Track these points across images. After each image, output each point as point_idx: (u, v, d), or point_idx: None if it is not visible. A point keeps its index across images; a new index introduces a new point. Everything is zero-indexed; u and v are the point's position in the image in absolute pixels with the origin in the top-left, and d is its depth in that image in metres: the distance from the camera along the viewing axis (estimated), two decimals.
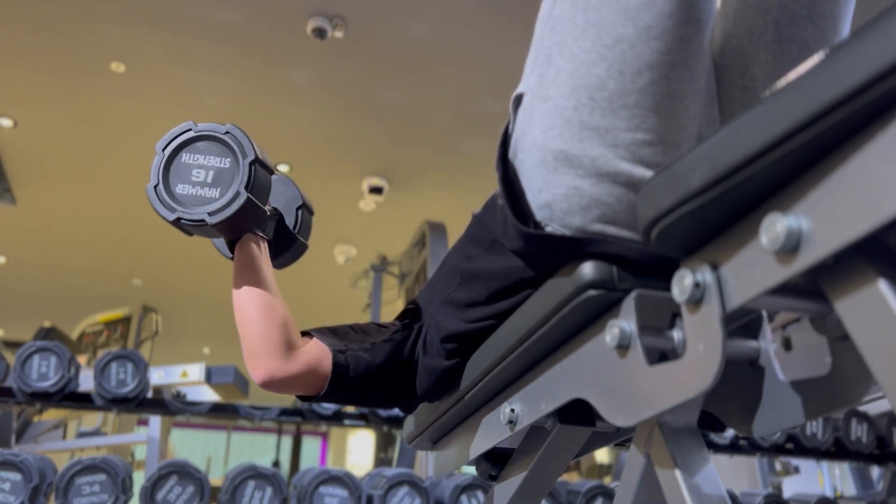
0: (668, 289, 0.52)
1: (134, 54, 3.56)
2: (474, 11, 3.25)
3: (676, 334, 0.54)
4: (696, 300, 0.49)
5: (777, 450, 2.55)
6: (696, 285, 0.49)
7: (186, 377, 3.37)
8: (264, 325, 0.83)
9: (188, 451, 7.71)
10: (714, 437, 2.42)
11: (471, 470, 1.04)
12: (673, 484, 0.55)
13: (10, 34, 3.40)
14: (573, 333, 0.65)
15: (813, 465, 3.63)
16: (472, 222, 0.82)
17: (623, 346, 0.56)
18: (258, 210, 0.88)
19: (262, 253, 0.90)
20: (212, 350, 8.51)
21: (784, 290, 0.48)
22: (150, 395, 2.40)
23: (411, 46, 3.50)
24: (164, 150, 0.87)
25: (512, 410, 0.75)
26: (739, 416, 0.62)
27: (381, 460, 4.45)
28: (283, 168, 4.42)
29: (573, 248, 0.63)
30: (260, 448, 9.69)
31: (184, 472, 1.94)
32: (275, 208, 0.99)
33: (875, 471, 3.20)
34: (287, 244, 1.00)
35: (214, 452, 8.55)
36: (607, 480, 4.67)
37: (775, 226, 0.42)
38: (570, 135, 0.62)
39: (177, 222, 0.85)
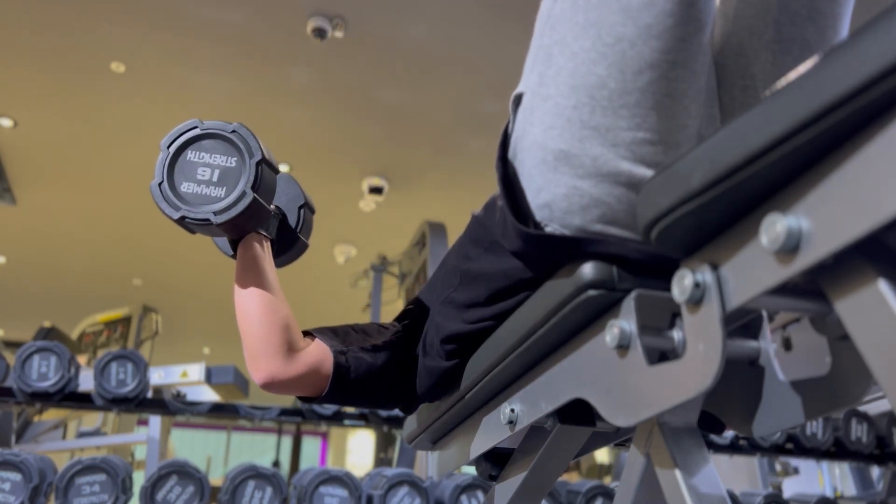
0: (668, 289, 0.52)
1: (134, 54, 3.56)
2: (474, 11, 3.25)
3: (676, 334, 0.54)
4: (696, 300, 0.49)
5: (777, 450, 2.55)
6: (696, 285, 0.49)
7: (186, 377, 3.37)
8: (266, 325, 0.82)
9: (188, 451, 7.71)
10: (714, 437, 2.42)
11: (471, 470, 1.04)
12: (673, 484, 0.55)
13: (10, 34, 3.40)
14: (573, 333, 0.65)
15: (813, 465, 3.63)
16: (472, 223, 0.82)
17: (623, 346, 0.56)
18: (263, 210, 0.87)
19: (265, 252, 0.89)
20: (212, 350, 8.50)
21: (784, 290, 0.48)
22: (150, 395, 2.41)
23: (411, 46, 3.50)
24: (168, 147, 0.86)
25: (512, 410, 0.75)
26: (739, 416, 0.62)
27: (381, 460, 4.45)
28: (283, 168, 4.42)
29: (573, 248, 0.63)
30: (260, 448, 9.69)
31: (184, 472, 1.94)
32: (277, 207, 0.98)
33: (875, 471, 3.20)
34: (289, 243, 1.00)
35: (214, 452, 8.55)
36: (607, 480, 4.68)
37: (775, 226, 0.42)
38: (570, 134, 0.62)
39: (181, 221, 0.84)
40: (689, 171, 0.48)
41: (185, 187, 0.85)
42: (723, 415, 0.65)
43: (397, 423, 2.49)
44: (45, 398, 2.21)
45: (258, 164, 0.85)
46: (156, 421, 2.97)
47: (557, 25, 0.64)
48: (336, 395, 0.85)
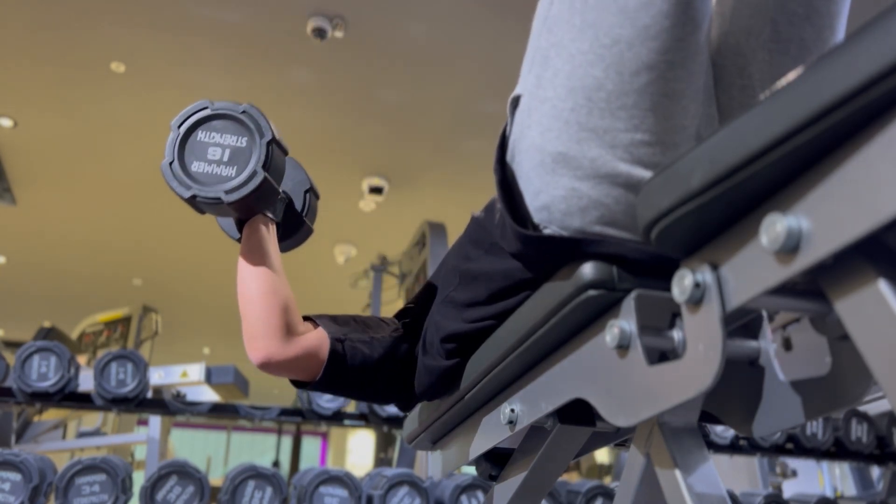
0: (668, 289, 0.52)
1: (134, 54, 3.56)
2: (474, 11, 3.25)
3: (676, 334, 0.54)
4: (696, 300, 0.49)
5: (777, 450, 2.55)
6: (696, 285, 0.49)
7: (186, 377, 3.37)
8: (266, 306, 0.83)
9: (188, 451, 7.71)
10: (714, 437, 2.42)
11: (471, 470, 1.04)
12: (673, 484, 0.55)
13: (10, 34, 3.40)
14: (573, 333, 0.65)
15: (813, 465, 3.63)
16: (472, 224, 0.82)
17: (623, 346, 0.56)
18: (273, 191, 0.88)
19: (270, 234, 0.90)
20: (212, 350, 8.50)
21: (784, 290, 0.48)
22: (149, 395, 2.41)
23: (411, 46, 3.50)
24: (179, 126, 0.87)
25: (512, 410, 0.75)
26: (739, 416, 0.62)
27: (381, 460, 4.45)
28: None
29: (572, 249, 0.63)
30: (260, 448, 9.70)
31: (184, 472, 1.94)
32: (284, 191, 0.99)
33: (875, 471, 3.20)
34: (294, 228, 1.01)
35: (214, 452, 8.55)
36: (607, 480, 4.68)
37: (775, 226, 0.42)
38: (568, 136, 0.62)
39: (192, 199, 0.84)
40: (688, 171, 0.48)
41: (196, 167, 0.85)
42: (723, 415, 0.65)
43: (397, 423, 2.49)
44: (45, 398, 2.21)
45: (269, 143, 0.85)
46: (156, 421, 2.98)
47: (554, 27, 0.64)
48: (329, 381, 0.85)
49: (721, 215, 0.48)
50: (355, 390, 0.88)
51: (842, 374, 0.54)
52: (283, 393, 9.06)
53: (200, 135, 0.86)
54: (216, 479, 2.64)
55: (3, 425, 2.85)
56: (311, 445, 10.26)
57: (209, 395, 3.62)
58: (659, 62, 0.59)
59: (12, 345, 5.47)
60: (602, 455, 5.55)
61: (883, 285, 0.39)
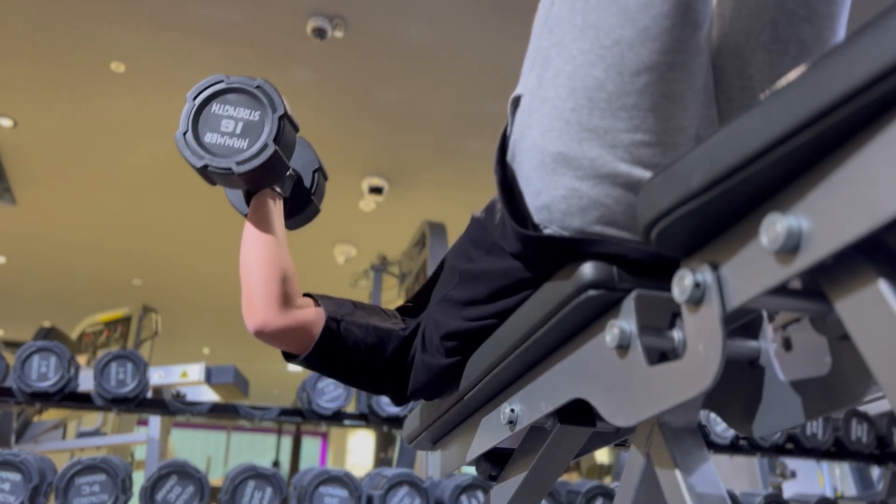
0: (668, 289, 0.52)
1: (134, 54, 3.56)
2: (474, 11, 3.25)
3: (676, 334, 0.54)
4: (697, 300, 0.49)
5: (777, 450, 2.55)
6: (697, 285, 0.49)
7: (186, 377, 3.37)
8: (265, 275, 0.85)
9: (188, 451, 7.71)
10: (714, 437, 2.42)
11: (471, 470, 1.04)
12: (673, 484, 0.55)
13: (10, 34, 3.40)
14: (573, 333, 0.65)
15: (813, 465, 3.63)
16: (472, 224, 0.82)
17: (623, 346, 0.56)
18: (282, 165, 0.91)
19: (276, 208, 0.93)
20: (212, 350, 8.51)
21: (784, 290, 0.48)
22: (149, 395, 2.41)
23: (411, 46, 3.50)
24: (194, 99, 0.89)
25: (512, 410, 0.75)
26: (739, 416, 0.62)
27: (381, 460, 4.44)
28: None
29: (572, 249, 0.63)
30: (260, 448, 9.70)
31: (184, 472, 1.94)
32: (293, 169, 1.01)
33: (875, 471, 3.20)
34: (302, 205, 1.03)
35: (214, 452, 8.55)
36: (607, 481, 4.68)
37: (775, 226, 0.42)
38: (568, 136, 0.62)
39: (203, 169, 0.87)
40: (689, 171, 0.48)
41: (210, 138, 0.88)
42: (723, 415, 0.65)
43: (397, 423, 2.49)
44: (45, 398, 2.21)
45: (280, 118, 0.88)
46: (155, 421, 2.98)
47: (555, 28, 0.64)
48: (318, 358, 0.86)
49: (721, 215, 0.48)
50: (343, 372, 0.89)
51: (842, 374, 0.54)
52: (283, 393, 9.06)
53: (215, 107, 0.89)
54: (216, 479, 2.64)
55: (3, 425, 2.85)
56: (311, 445, 10.27)
57: (209, 395, 3.62)
58: (659, 63, 0.59)
59: (12, 345, 5.47)
60: (602, 455, 5.55)
61: (883, 285, 0.39)
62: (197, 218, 5.25)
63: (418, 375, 0.87)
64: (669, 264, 0.54)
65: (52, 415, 3.42)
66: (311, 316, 0.85)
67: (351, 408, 2.56)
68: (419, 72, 3.69)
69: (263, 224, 0.90)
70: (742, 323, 0.62)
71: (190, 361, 3.54)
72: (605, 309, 0.61)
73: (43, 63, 3.62)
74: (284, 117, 0.88)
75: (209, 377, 3.44)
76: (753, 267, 0.45)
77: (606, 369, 0.59)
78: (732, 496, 2.13)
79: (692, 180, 0.47)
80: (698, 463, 0.56)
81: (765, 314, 0.61)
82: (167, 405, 2.44)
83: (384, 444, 4.53)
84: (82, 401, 2.30)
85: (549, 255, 0.65)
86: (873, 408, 2.61)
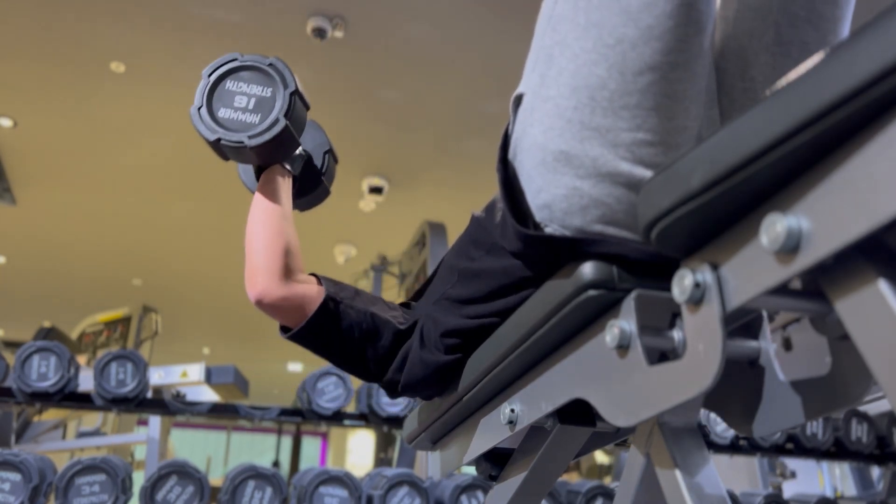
0: (668, 289, 0.52)
1: (134, 54, 3.56)
2: (474, 11, 3.25)
3: (676, 334, 0.54)
4: (697, 300, 0.49)
5: (777, 450, 2.55)
6: (697, 285, 0.49)
7: (186, 377, 3.37)
8: (269, 246, 0.87)
9: (188, 451, 7.71)
10: (714, 437, 2.42)
11: (471, 470, 1.04)
12: (673, 484, 0.55)
13: (10, 34, 3.40)
14: (573, 333, 0.65)
15: (813, 465, 3.63)
16: (472, 224, 0.82)
17: (623, 347, 0.56)
18: (293, 140, 0.93)
19: (285, 184, 0.95)
20: (212, 350, 8.51)
21: (784, 290, 0.48)
22: (149, 395, 2.41)
23: (411, 46, 3.50)
24: (209, 75, 0.93)
25: (512, 410, 0.75)
26: (739, 416, 0.62)
27: (381, 460, 4.44)
28: None
29: (573, 248, 0.63)
30: (260, 448, 9.70)
31: (184, 472, 1.94)
32: (304, 149, 1.04)
33: (875, 471, 3.20)
34: (312, 185, 1.06)
35: (214, 452, 8.55)
36: (607, 481, 4.68)
37: (775, 226, 0.42)
38: (570, 135, 0.62)
39: (216, 143, 0.90)
40: (689, 171, 0.48)
41: (223, 113, 0.91)
42: (723, 415, 0.65)
43: (397, 423, 2.49)
44: (45, 398, 2.21)
45: (292, 94, 0.92)
46: (155, 421, 2.98)
47: (558, 26, 0.64)
48: (311, 334, 0.86)
49: (721, 215, 0.48)
50: (334, 353, 0.89)
51: (842, 374, 0.54)
52: (283, 393, 9.06)
53: (229, 84, 0.93)
54: (216, 479, 2.64)
55: (3, 425, 2.85)
56: (311, 445, 10.27)
57: (209, 395, 3.62)
58: (662, 63, 0.59)
59: (12, 345, 5.47)
60: (602, 455, 5.55)
61: (883, 285, 0.39)
62: (197, 218, 5.25)
63: (414, 370, 0.87)
64: (669, 264, 0.54)
65: (52, 415, 3.42)
66: (311, 292, 0.87)
67: (351, 408, 2.56)
68: (419, 72, 3.69)
69: (271, 198, 0.93)
70: (742, 323, 0.62)
71: (190, 361, 3.54)
72: (606, 309, 0.61)
73: (43, 63, 3.62)
74: (295, 94, 0.92)
75: (209, 377, 3.44)
76: (753, 267, 0.45)
77: (606, 369, 0.59)
78: (732, 496, 2.13)
79: (692, 180, 0.47)
80: (698, 463, 0.56)
81: (765, 314, 0.61)
82: (167, 405, 2.44)
83: (384, 444, 4.52)
84: (82, 401, 2.29)
85: (550, 254, 0.65)
86: (873, 408, 2.61)
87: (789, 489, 3.33)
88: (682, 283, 0.50)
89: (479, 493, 2.05)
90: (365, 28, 3.36)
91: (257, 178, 0.97)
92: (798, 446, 2.55)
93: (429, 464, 2.84)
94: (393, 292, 4.91)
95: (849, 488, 3.62)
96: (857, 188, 0.38)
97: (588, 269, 0.60)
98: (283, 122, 0.90)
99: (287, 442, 7.99)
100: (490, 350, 0.76)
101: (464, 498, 2.04)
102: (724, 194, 0.46)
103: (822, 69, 0.39)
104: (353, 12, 3.25)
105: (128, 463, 2.01)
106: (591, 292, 0.59)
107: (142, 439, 3.15)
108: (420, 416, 1.01)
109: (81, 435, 3.82)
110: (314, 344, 0.89)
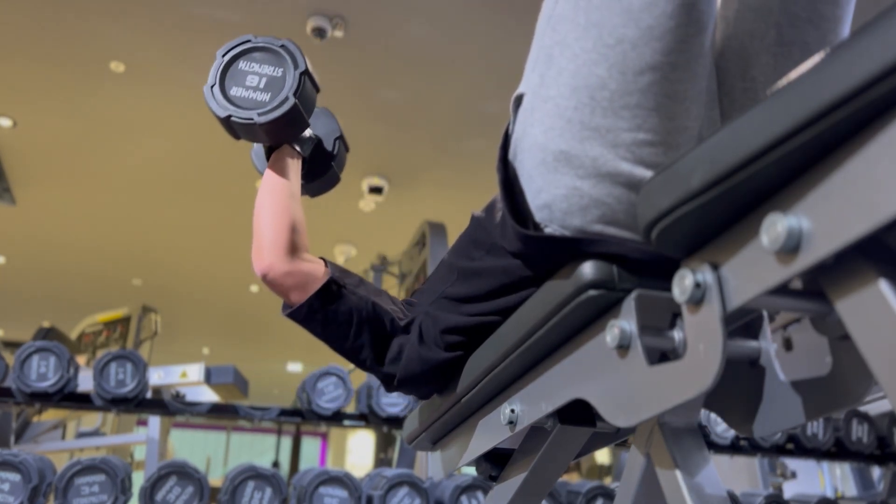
0: (668, 289, 0.52)
1: (134, 54, 3.56)
2: (475, 11, 3.25)
3: (677, 334, 0.54)
4: (697, 300, 0.49)
5: (778, 450, 2.55)
6: (697, 285, 0.49)
7: (186, 377, 3.37)
8: (276, 222, 0.89)
9: (188, 451, 7.71)
10: (714, 437, 2.42)
11: (471, 470, 1.04)
12: (673, 484, 0.55)
13: (9, 34, 3.40)
14: (573, 333, 0.65)
15: (813, 465, 3.63)
16: (472, 224, 0.82)
17: (623, 347, 0.56)
18: (302, 119, 0.96)
19: (294, 165, 0.98)
20: (211, 350, 8.50)
21: (784, 290, 0.48)
22: (149, 395, 2.40)
23: (412, 46, 3.50)
24: (223, 56, 0.96)
25: (512, 411, 0.75)
26: (740, 416, 0.62)
27: (381, 461, 4.44)
28: None
29: (573, 248, 0.63)
30: (259, 448, 9.70)
31: (183, 472, 1.94)
32: (314, 134, 1.07)
33: (876, 471, 3.20)
34: (322, 170, 1.09)
35: (214, 453, 8.55)
36: (607, 481, 4.68)
37: (776, 226, 0.42)
38: (570, 135, 0.62)
39: (227, 120, 0.92)
40: (689, 171, 0.48)
41: (235, 91, 0.94)
42: (723, 415, 0.65)
43: (397, 423, 2.49)
44: (45, 398, 2.21)
45: (301, 74, 0.94)
46: (155, 421, 2.97)
47: (559, 26, 0.64)
48: (309, 312, 0.87)
49: (721, 215, 0.48)
50: (331, 336, 0.89)
51: (842, 375, 0.53)
52: (282, 393, 9.06)
53: (242, 64, 0.96)
54: (216, 479, 2.64)
55: (2, 425, 2.85)
56: (310, 446, 10.27)
57: (209, 396, 3.62)
58: (662, 63, 0.59)
59: (12, 345, 5.47)
60: (602, 455, 5.55)
61: (883, 285, 0.39)
62: (197, 218, 5.25)
63: (412, 366, 0.86)
64: (670, 264, 0.54)
65: (51, 415, 3.42)
66: (316, 273, 0.88)
67: (351, 408, 2.56)
68: (419, 72, 3.69)
69: (279, 176, 0.95)
70: (742, 323, 0.61)
71: (189, 361, 3.54)
72: (606, 309, 0.61)
73: (43, 63, 3.62)
74: (305, 74, 0.95)
75: (209, 377, 3.44)
76: (754, 267, 0.45)
77: (607, 369, 0.59)
78: (733, 496, 2.13)
79: (692, 180, 0.47)
80: (698, 463, 0.56)
81: (765, 314, 0.61)
82: (167, 405, 2.43)
83: (384, 444, 4.52)
84: (82, 401, 2.29)
85: (550, 254, 0.65)
86: (874, 408, 2.61)
87: (790, 489, 3.33)
88: (683, 283, 0.50)
89: (479, 494, 2.05)
90: (365, 28, 3.36)
91: (268, 157, 0.99)
92: (798, 446, 2.55)
93: (429, 464, 2.84)
94: (393, 292, 4.89)
95: (849, 489, 3.62)
96: (858, 188, 0.38)
97: (588, 269, 0.60)
98: (292, 101, 0.92)
99: (287, 442, 7.99)
100: (490, 350, 0.76)
101: (464, 498, 2.03)
102: (725, 194, 0.46)
103: (822, 69, 0.39)
104: (353, 12, 3.25)
105: (127, 463, 2.01)
106: (592, 292, 0.59)
107: (141, 439, 3.15)
108: (420, 416, 1.01)
109: (81, 435, 3.81)
110: (312, 324, 0.89)
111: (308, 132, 1.03)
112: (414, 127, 4.20)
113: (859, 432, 2.57)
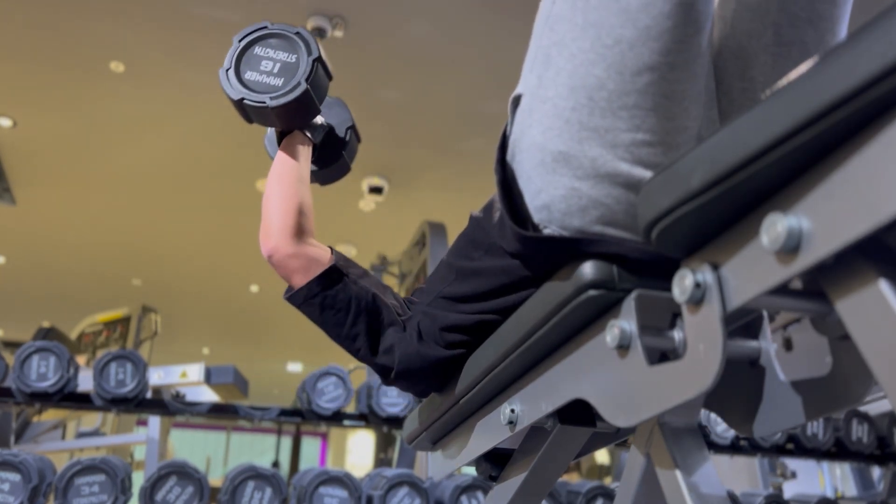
0: (668, 289, 0.52)
1: (134, 54, 3.55)
2: (474, 11, 3.25)
3: (677, 334, 0.54)
4: (697, 300, 0.49)
5: (778, 450, 2.55)
6: (697, 285, 0.49)
7: (186, 377, 3.37)
8: (283, 205, 0.91)
9: (188, 451, 7.70)
10: (714, 437, 2.42)
11: (471, 470, 1.04)
12: (673, 484, 0.55)
13: (9, 34, 3.40)
14: (573, 333, 0.65)
15: (813, 465, 3.63)
16: (471, 224, 0.82)
17: (623, 347, 0.56)
18: (313, 105, 0.98)
19: (304, 151, 1.00)
20: (211, 350, 8.50)
21: (784, 290, 0.48)
22: (149, 395, 2.40)
23: (412, 46, 3.50)
24: (240, 41, 0.99)
25: (512, 411, 0.75)
26: (740, 416, 0.62)
27: (381, 461, 4.44)
28: None
29: (572, 248, 0.63)
30: (259, 448, 9.69)
31: (183, 472, 1.94)
32: (326, 122, 1.08)
33: (876, 471, 3.20)
34: (333, 158, 1.11)
35: (214, 453, 8.55)
36: (607, 481, 4.67)
37: (776, 226, 0.42)
38: (569, 135, 0.62)
39: (240, 102, 0.95)
40: (689, 171, 0.48)
41: (249, 75, 0.97)
42: (723, 415, 0.65)
43: (397, 423, 2.49)
44: (45, 398, 2.20)
45: (315, 61, 0.97)
46: (155, 421, 2.97)
47: (556, 26, 0.64)
48: (310, 295, 0.88)
49: (721, 215, 0.48)
50: (327, 321, 0.89)
51: (842, 375, 0.53)
52: (282, 393, 9.06)
53: (257, 49, 0.99)
54: (216, 479, 2.64)
55: (2, 425, 2.85)
56: (310, 446, 10.26)
57: (209, 396, 3.62)
58: (660, 63, 0.59)
59: (12, 345, 5.47)
60: (602, 455, 5.55)
61: (883, 285, 0.39)
62: (197, 218, 5.25)
63: (410, 361, 0.86)
64: (670, 264, 0.54)
65: (51, 415, 3.42)
66: (321, 258, 0.89)
67: (351, 408, 2.56)
68: (419, 72, 3.69)
69: (289, 160, 0.97)
70: (742, 323, 0.61)
71: (189, 361, 3.54)
72: (606, 309, 0.61)
73: (43, 63, 3.61)
74: (318, 60, 0.97)
75: (209, 377, 3.44)
76: (754, 267, 0.45)
77: (607, 369, 0.59)
78: (732, 496, 2.13)
79: (692, 180, 0.47)
80: (698, 463, 0.56)
81: (765, 314, 0.61)
82: (167, 405, 2.43)
83: (384, 444, 4.52)
84: (82, 401, 2.29)
85: (549, 254, 0.65)
86: (874, 408, 2.61)
87: (790, 489, 3.33)
88: (683, 283, 0.50)
89: (479, 494, 2.05)
90: (365, 28, 3.36)
91: (280, 141, 1.01)
92: (798, 446, 2.54)
93: (429, 464, 2.84)
94: None
95: (849, 489, 3.62)
96: (858, 188, 0.38)
97: (588, 269, 0.60)
98: (304, 86, 0.94)
99: (287, 442, 7.98)
100: (490, 350, 0.76)
101: (464, 498, 2.03)
102: (725, 194, 0.46)
103: (822, 69, 0.39)
104: (353, 12, 3.25)
105: (127, 463, 2.01)
106: (592, 292, 0.59)
107: (141, 439, 3.15)
108: (420, 416, 1.01)
109: (81, 435, 3.81)
110: (310, 308, 0.89)
111: (320, 119, 1.05)
112: (414, 127, 4.20)
113: (859, 432, 2.57)
